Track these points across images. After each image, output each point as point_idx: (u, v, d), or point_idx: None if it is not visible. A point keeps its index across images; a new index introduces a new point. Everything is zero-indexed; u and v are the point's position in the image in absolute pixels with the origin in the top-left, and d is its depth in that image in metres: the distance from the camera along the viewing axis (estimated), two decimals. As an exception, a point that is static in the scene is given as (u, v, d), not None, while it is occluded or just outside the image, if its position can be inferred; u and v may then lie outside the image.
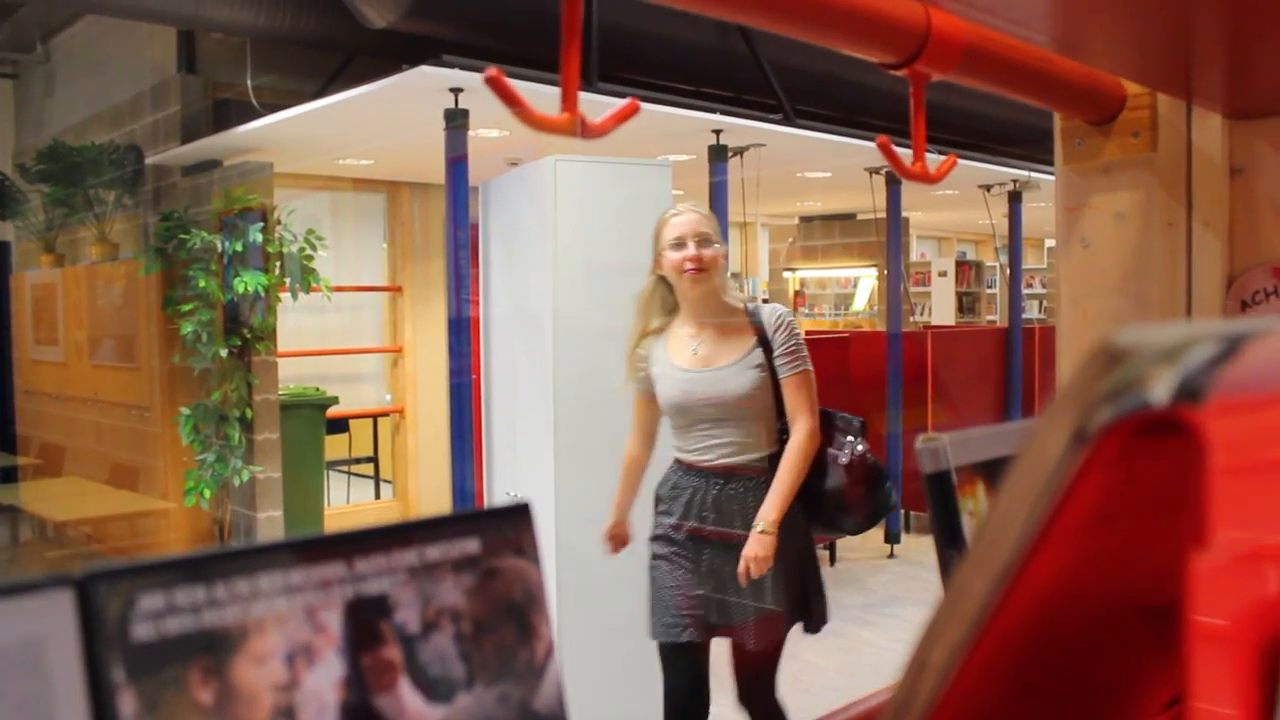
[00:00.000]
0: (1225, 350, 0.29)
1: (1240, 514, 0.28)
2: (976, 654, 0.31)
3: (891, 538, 7.72)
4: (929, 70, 0.80)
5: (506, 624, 0.42)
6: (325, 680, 0.38)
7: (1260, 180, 1.08)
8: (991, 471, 0.71)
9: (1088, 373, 0.28)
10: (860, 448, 3.15)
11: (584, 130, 0.58)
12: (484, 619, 0.42)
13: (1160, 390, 0.27)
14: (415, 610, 0.40)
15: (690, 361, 3.10)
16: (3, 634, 0.32)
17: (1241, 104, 1.06)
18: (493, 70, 0.54)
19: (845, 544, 7.58)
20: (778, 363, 3.08)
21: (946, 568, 0.68)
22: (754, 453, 3.10)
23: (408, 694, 0.39)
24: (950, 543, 0.68)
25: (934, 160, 0.90)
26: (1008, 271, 9.39)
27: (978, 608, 0.31)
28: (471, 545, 0.42)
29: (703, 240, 3.11)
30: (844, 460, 3.12)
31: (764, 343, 3.09)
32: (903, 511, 7.82)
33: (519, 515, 0.44)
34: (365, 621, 0.39)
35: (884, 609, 6.47)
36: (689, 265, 3.05)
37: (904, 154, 0.89)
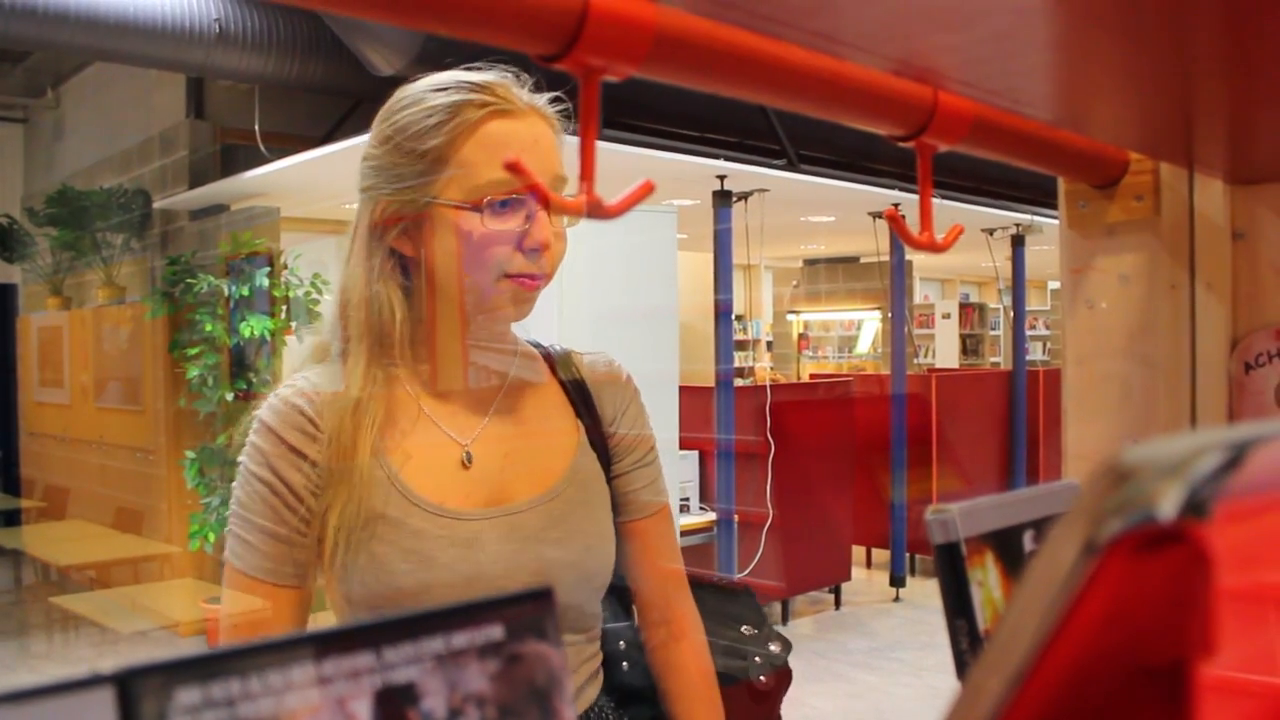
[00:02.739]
0: (1229, 460, 0.30)
1: (1240, 629, 0.29)
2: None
3: (896, 581, 7.70)
4: (936, 142, 0.82)
5: (529, 708, 0.43)
6: (354, 769, 0.39)
7: (1262, 244, 1.10)
8: (1000, 541, 0.72)
9: (1097, 487, 0.29)
10: (777, 653, 1.59)
11: (600, 212, 0.59)
12: (508, 703, 0.43)
13: (1166, 506, 0.28)
14: (442, 697, 0.41)
15: (458, 484, 1.29)
16: (46, 731, 0.33)
17: (1243, 170, 1.08)
18: (513, 158, 0.56)
19: (850, 588, 7.56)
20: (626, 481, 1.42)
21: (956, 638, 0.68)
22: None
23: (434, 780, 0.40)
24: (959, 613, 0.69)
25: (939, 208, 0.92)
26: (1011, 314, 9.41)
27: (992, 708, 0.32)
28: (496, 631, 0.43)
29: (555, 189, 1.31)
30: (763, 683, 1.56)
31: (590, 431, 1.41)
32: (908, 555, 7.80)
33: (542, 599, 0.45)
34: (394, 709, 0.40)
35: (889, 653, 6.45)
36: (522, 270, 1.24)
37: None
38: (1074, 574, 0.30)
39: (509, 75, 1.27)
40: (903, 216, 0.91)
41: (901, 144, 0.82)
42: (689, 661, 1.41)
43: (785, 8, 0.59)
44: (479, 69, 1.26)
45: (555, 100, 1.29)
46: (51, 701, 0.34)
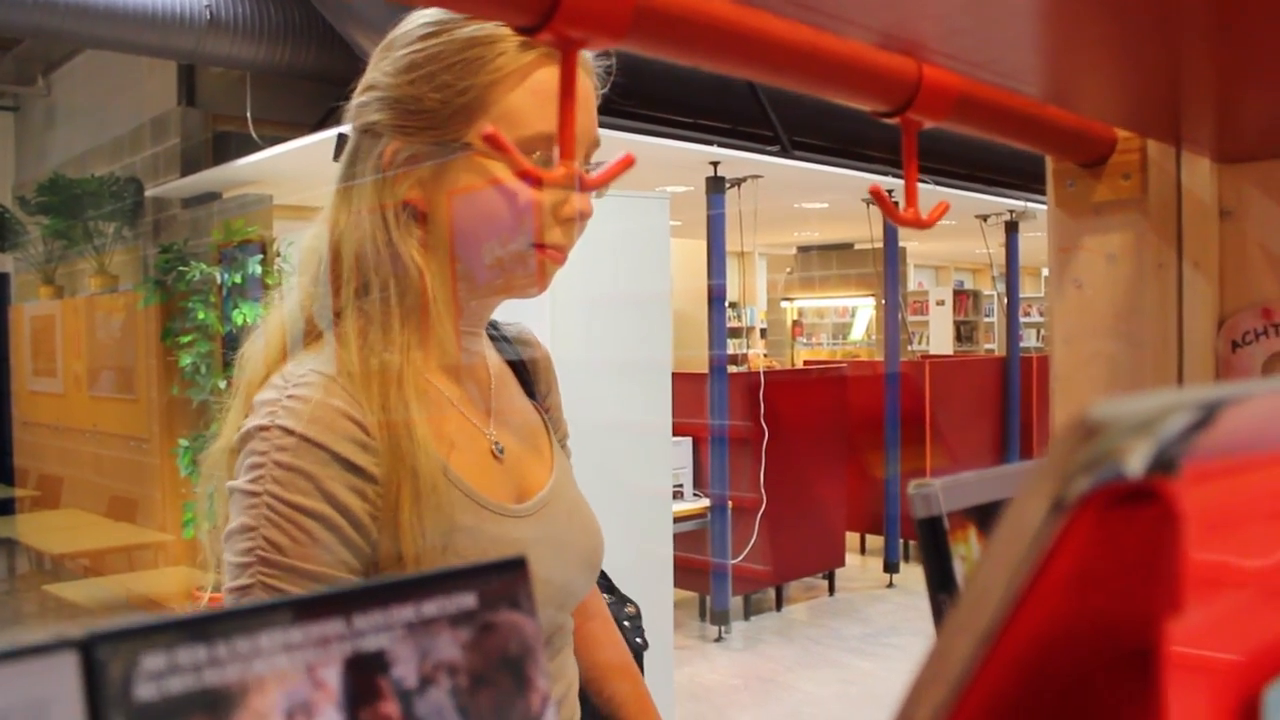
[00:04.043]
0: (1200, 419, 0.30)
1: (1208, 584, 0.29)
2: (960, 713, 0.32)
3: (890, 567, 7.71)
4: (921, 118, 0.82)
5: (502, 677, 0.43)
6: (324, 736, 0.38)
7: (1249, 223, 1.10)
8: (984, 516, 0.72)
9: (1065, 444, 0.29)
10: (635, 614, 1.55)
11: (582, 184, 0.59)
12: (480, 672, 0.42)
13: (1135, 462, 0.28)
14: (413, 665, 0.40)
15: (499, 479, 1.15)
16: (8, 697, 0.33)
17: (1230, 148, 1.08)
18: (489, 129, 0.55)
19: (844, 574, 7.58)
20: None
21: (939, 612, 0.68)
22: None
23: (405, 749, 0.40)
24: (942, 587, 0.69)
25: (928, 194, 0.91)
26: (1005, 300, 9.42)
27: (961, 669, 0.31)
28: (468, 600, 0.43)
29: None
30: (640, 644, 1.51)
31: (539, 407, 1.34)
32: (902, 541, 7.82)
33: (515, 569, 0.44)
34: (363, 677, 0.39)
35: (883, 639, 6.46)
36: (555, 240, 1.12)
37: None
38: (1043, 532, 0.30)
39: None
40: (890, 193, 0.90)
41: (886, 120, 0.82)
42: (607, 638, 1.37)
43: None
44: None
45: (602, 54, 1.13)
46: (14, 665, 0.33)
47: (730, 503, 6.33)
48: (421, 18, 1.08)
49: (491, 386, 1.19)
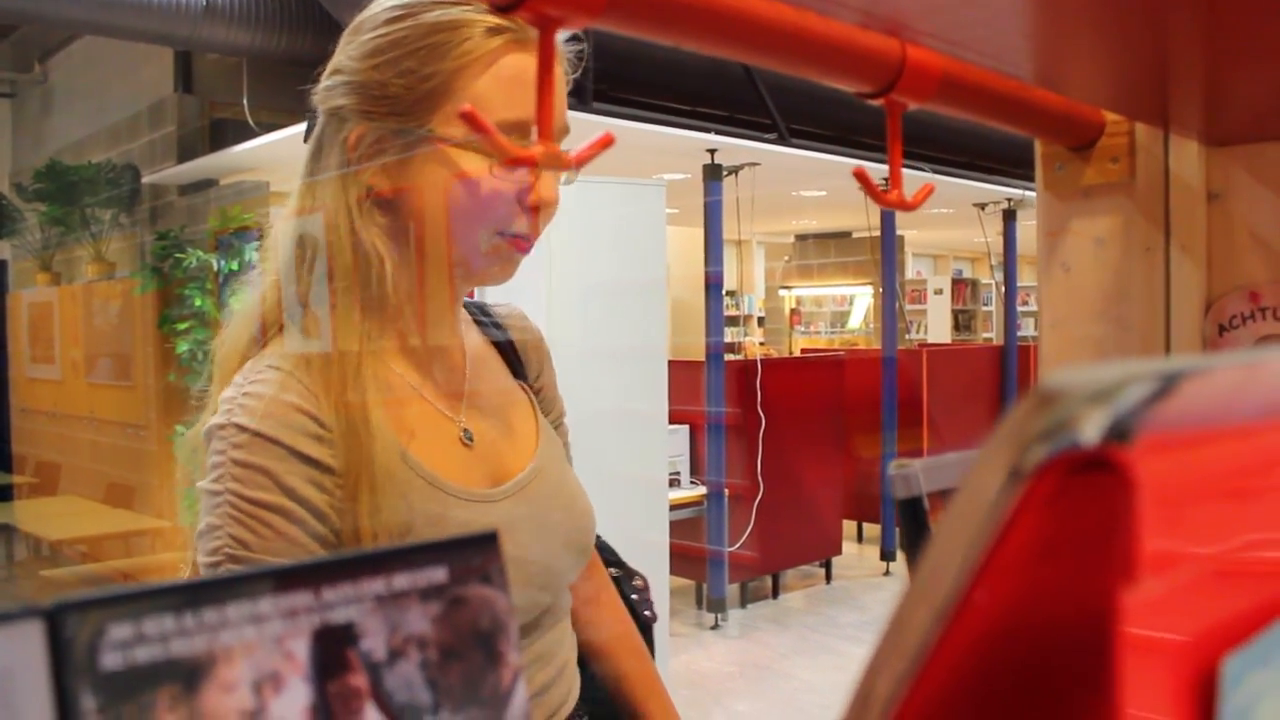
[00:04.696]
0: (1158, 389, 0.30)
1: (1164, 554, 0.29)
2: (920, 685, 0.32)
3: (887, 555, 7.72)
4: (905, 100, 0.81)
5: (473, 651, 0.43)
6: (292, 707, 0.38)
7: (1237, 206, 1.10)
8: (964, 497, 0.72)
9: (1022, 413, 0.29)
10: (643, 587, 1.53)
11: (559, 163, 0.59)
12: (451, 646, 0.42)
13: (1090, 430, 0.28)
14: (382, 638, 0.41)
15: (468, 465, 1.14)
16: (-27, 664, 0.33)
17: (1218, 131, 1.08)
18: (467, 107, 0.55)
19: (841, 562, 7.59)
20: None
21: (919, 592, 0.68)
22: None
23: (374, 721, 0.40)
24: (923, 567, 0.69)
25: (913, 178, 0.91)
26: (1003, 289, 9.42)
27: (920, 640, 0.32)
28: (439, 574, 0.43)
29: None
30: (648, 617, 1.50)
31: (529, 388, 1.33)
32: (898, 529, 7.82)
33: (487, 543, 0.45)
34: (332, 649, 0.39)
35: (879, 627, 6.46)
36: (520, 229, 1.10)
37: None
38: (1000, 501, 0.30)
39: None
40: (882, 182, 0.90)
41: (870, 101, 0.82)
42: (612, 612, 1.37)
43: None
44: None
45: (573, 39, 1.10)
46: (-23, 636, 0.34)
47: (727, 490, 6.34)
48: (390, 0, 1.06)
49: (466, 371, 1.19)
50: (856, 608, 6.91)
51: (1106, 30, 0.82)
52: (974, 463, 0.31)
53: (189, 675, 0.37)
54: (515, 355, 1.28)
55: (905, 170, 0.85)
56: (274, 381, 1.01)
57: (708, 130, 6.21)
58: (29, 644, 0.34)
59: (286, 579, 0.39)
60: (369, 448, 1.01)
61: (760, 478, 6.58)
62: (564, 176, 1.10)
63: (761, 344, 13.37)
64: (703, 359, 6.32)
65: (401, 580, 0.42)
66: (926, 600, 0.31)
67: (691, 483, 6.40)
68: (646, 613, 1.46)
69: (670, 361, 5.61)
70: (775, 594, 7.10)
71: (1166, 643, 0.30)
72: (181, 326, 6.88)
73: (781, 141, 6.56)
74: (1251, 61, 0.90)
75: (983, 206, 9.15)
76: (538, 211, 1.07)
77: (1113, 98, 1.05)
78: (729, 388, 6.40)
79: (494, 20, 1.03)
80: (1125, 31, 0.83)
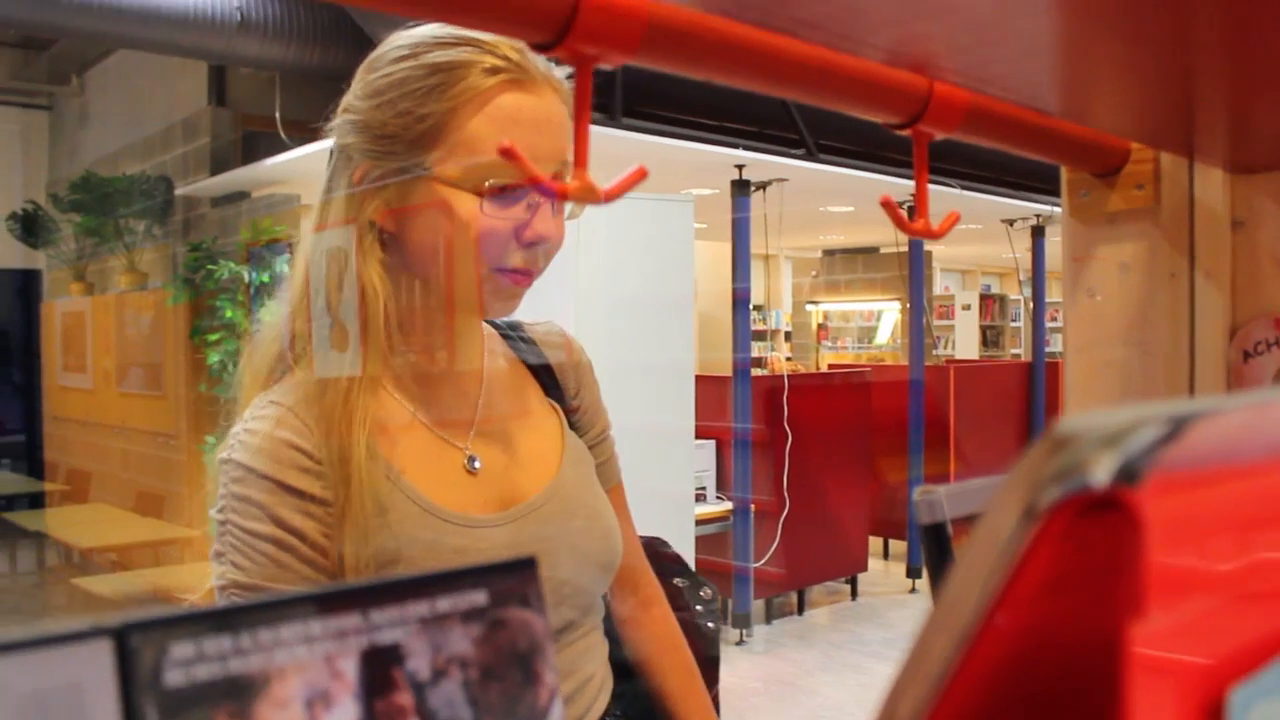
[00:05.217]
0: (1168, 433, 0.32)
1: (1171, 589, 0.31)
2: (940, 710, 0.34)
3: (913, 573, 7.70)
4: (931, 130, 0.83)
5: (512, 671, 0.45)
6: (341, 724, 0.40)
7: (1261, 233, 1.11)
8: (988, 522, 0.73)
9: (1037, 455, 0.31)
10: (711, 598, 1.56)
11: (593, 197, 0.61)
12: (491, 667, 0.44)
13: (1101, 473, 0.30)
14: (426, 659, 0.42)
15: (471, 492, 1.17)
16: (48, 680, 0.35)
17: (1243, 159, 1.09)
18: (507, 143, 0.57)
19: (866, 579, 7.57)
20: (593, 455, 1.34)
21: (942, 615, 0.70)
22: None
23: (418, 737, 0.42)
24: (946, 591, 0.70)
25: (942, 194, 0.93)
26: (1031, 305, 9.39)
27: (940, 667, 0.33)
28: (479, 597, 0.45)
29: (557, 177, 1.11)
30: (710, 629, 1.53)
31: (564, 408, 1.32)
32: (923, 551, 7.78)
33: (525, 568, 0.46)
34: (379, 669, 0.41)
35: (904, 644, 6.44)
36: (517, 265, 1.12)
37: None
38: (1015, 539, 0.31)
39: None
40: (902, 205, 0.92)
41: (898, 131, 0.84)
42: (661, 628, 1.38)
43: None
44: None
45: (572, 76, 1.11)
46: (52, 650, 0.36)
47: (753, 506, 6.34)
48: (401, 39, 1.10)
49: (480, 398, 1.21)
50: (882, 625, 6.90)
51: (1131, 65, 0.84)
52: (992, 501, 0.32)
53: (246, 692, 0.39)
54: (550, 375, 1.30)
55: (932, 186, 0.87)
56: (271, 418, 1.08)
57: (736, 146, 6.23)
58: (98, 661, 0.37)
59: (336, 601, 0.42)
60: (358, 478, 1.06)
61: (786, 493, 6.58)
62: (569, 210, 1.13)
63: (789, 359, 13.36)
64: (729, 374, 6.34)
65: (444, 603, 0.44)
66: (946, 629, 0.33)
67: (718, 498, 6.41)
68: (710, 624, 1.48)
69: (697, 376, 5.62)
70: (801, 610, 7.09)
71: (1175, 673, 0.32)
72: (213, 337, 6.95)
73: (809, 157, 6.58)
74: (1276, 91, 0.91)
75: (1011, 222, 9.13)
76: (535, 247, 1.09)
77: (1138, 129, 1.06)
78: (756, 403, 6.40)
79: (491, 61, 1.06)
80: (1149, 65, 0.84)
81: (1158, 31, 0.76)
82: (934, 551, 0.69)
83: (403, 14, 0.59)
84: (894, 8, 0.63)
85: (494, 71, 1.06)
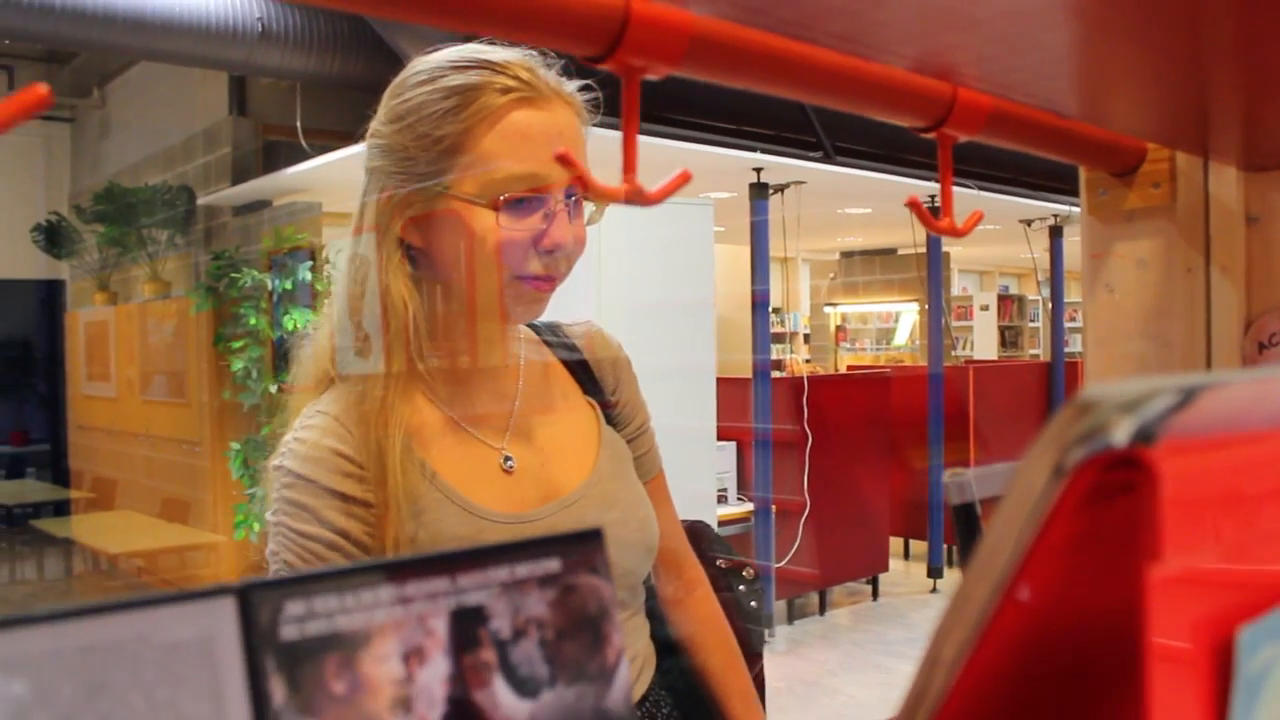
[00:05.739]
0: (1180, 401, 0.36)
1: (1185, 538, 0.35)
2: (979, 653, 0.38)
3: (934, 572, 7.71)
4: (955, 133, 0.87)
5: (583, 632, 0.49)
6: (434, 677, 0.45)
7: (1275, 229, 1.14)
8: (1014, 504, 0.77)
9: (1063, 419, 0.35)
10: (753, 579, 1.62)
11: (641, 199, 0.65)
12: (564, 628, 0.49)
13: (1120, 434, 0.34)
14: (507, 619, 0.47)
15: (507, 489, 1.23)
16: (181, 632, 0.40)
17: (1256, 157, 1.12)
18: (563, 150, 0.62)
19: (888, 579, 7.59)
20: (632, 448, 1.40)
21: (972, 592, 0.74)
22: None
23: (501, 690, 0.47)
24: (975, 569, 0.75)
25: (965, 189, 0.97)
26: (1050, 305, 9.39)
27: (979, 612, 0.37)
28: (553, 564, 0.49)
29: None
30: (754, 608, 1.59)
31: (601, 403, 1.38)
32: (945, 546, 7.81)
33: (593, 539, 0.51)
34: (466, 628, 0.46)
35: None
36: (536, 272, 1.17)
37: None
38: (1045, 494, 0.36)
39: (534, 55, 1.16)
40: (932, 199, 0.96)
41: (923, 135, 0.88)
42: (703, 610, 1.45)
43: (808, 13, 0.65)
44: (502, 45, 1.15)
45: (584, 88, 1.19)
46: (183, 606, 0.40)
47: (774, 507, 6.37)
48: (420, 65, 1.17)
49: (516, 399, 1.28)
50: (904, 625, 6.92)
51: (1146, 70, 0.87)
52: (1023, 461, 0.36)
53: (351, 646, 0.43)
54: (588, 373, 1.36)
55: (952, 188, 0.91)
56: (318, 427, 1.16)
57: (754, 149, 6.27)
58: (224, 615, 0.41)
59: (428, 566, 0.46)
60: (394, 478, 1.13)
61: (807, 494, 6.61)
62: (588, 215, 1.19)
63: (807, 361, 13.39)
64: (749, 376, 6.37)
65: (523, 569, 0.48)
66: (985, 578, 0.37)
67: (739, 499, 6.45)
68: (753, 603, 1.56)
69: (717, 379, 5.66)
70: (823, 610, 7.11)
71: (1190, 613, 0.36)
72: (237, 344, 7.02)
73: (827, 160, 6.61)
74: (1287, 91, 0.95)
75: (1029, 223, 9.14)
76: (554, 254, 1.15)
77: (1154, 130, 1.10)
78: (776, 404, 6.44)
79: (503, 81, 1.13)
80: (1164, 70, 0.88)
81: (1172, 38, 0.80)
82: (964, 530, 0.73)
83: (464, 31, 0.64)
84: (921, 22, 0.67)
85: (505, 91, 1.13)
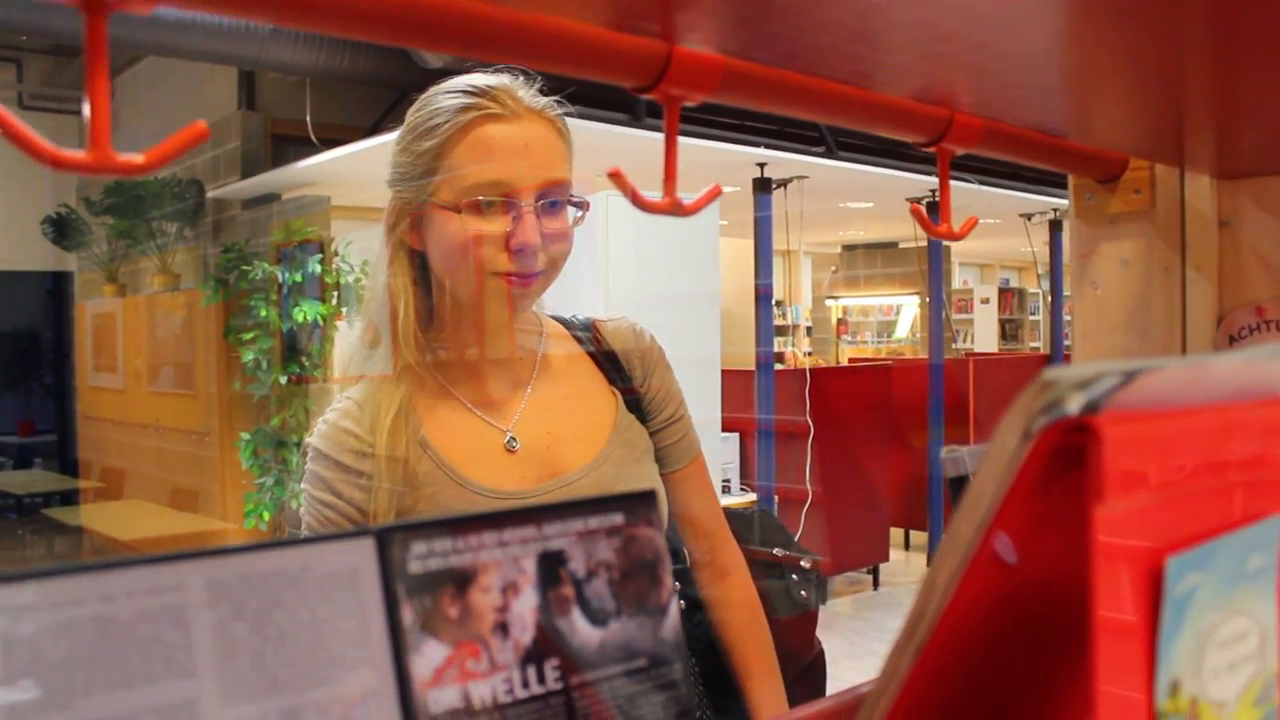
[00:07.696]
0: (1122, 380, 0.47)
1: (1123, 486, 0.45)
2: (966, 580, 0.49)
3: (933, 562, 7.80)
4: (953, 148, 0.98)
5: (641, 574, 0.60)
6: (526, 606, 0.55)
7: (1244, 232, 1.25)
8: (1003, 477, 0.88)
9: (1031, 394, 0.46)
10: (809, 568, 1.75)
11: (681, 210, 0.76)
12: (627, 570, 0.59)
13: (1073, 405, 0.44)
14: (582, 561, 0.57)
15: (507, 468, 1.35)
16: (334, 564, 0.50)
17: (1228, 167, 1.23)
18: (615, 169, 0.72)
19: (888, 569, 7.70)
20: (663, 436, 1.49)
21: (965, 554, 0.84)
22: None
23: (578, 619, 0.57)
24: (968, 534, 0.85)
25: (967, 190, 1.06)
26: (1050, 299, 9.49)
27: (966, 546, 0.48)
28: (617, 518, 0.60)
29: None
30: (804, 597, 1.72)
31: (626, 394, 1.47)
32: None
33: (649, 498, 0.61)
34: (550, 567, 0.56)
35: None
36: (507, 269, 1.28)
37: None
38: (1016, 454, 0.46)
39: (517, 78, 1.29)
40: (932, 193, 1.06)
41: (924, 149, 0.98)
42: (735, 596, 1.51)
43: (822, 56, 0.76)
44: (493, 72, 1.29)
45: (559, 103, 1.32)
46: (335, 544, 0.51)
47: (776, 497, 6.46)
48: (425, 95, 1.32)
49: (529, 385, 1.40)
50: (903, 614, 6.98)
51: (1127, 96, 0.98)
52: (999, 427, 0.47)
53: (461, 580, 0.54)
54: (615, 364, 1.47)
55: (951, 182, 1.02)
56: (340, 410, 1.34)
57: (758, 144, 6.36)
58: (366, 551, 0.52)
59: (520, 517, 0.57)
60: (400, 457, 1.29)
61: (809, 485, 6.70)
62: (572, 216, 1.32)
63: (808, 354, 13.49)
64: (751, 368, 6.46)
65: (594, 521, 0.59)
66: (970, 518, 0.48)
67: (742, 489, 6.55)
68: (803, 593, 1.68)
69: (722, 370, 5.76)
70: (823, 599, 7.20)
71: (1128, 543, 0.47)
72: (247, 336, 7.11)
73: (830, 155, 6.71)
74: (1258, 105, 1.05)
75: (1029, 217, 9.23)
76: (524, 253, 1.26)
77: (1134, 145, 1.21)
78: (779, 396, 6.53)
79: (476, 101, 1.27)
80: (1144, 92, 0.98)
81: (1149, 65, 0.90)
82: (959, 499, 0.84)
83: (524, 65, 0.74)
84: (920, 62, 0.77)
85: (477, 109, 1.27)
